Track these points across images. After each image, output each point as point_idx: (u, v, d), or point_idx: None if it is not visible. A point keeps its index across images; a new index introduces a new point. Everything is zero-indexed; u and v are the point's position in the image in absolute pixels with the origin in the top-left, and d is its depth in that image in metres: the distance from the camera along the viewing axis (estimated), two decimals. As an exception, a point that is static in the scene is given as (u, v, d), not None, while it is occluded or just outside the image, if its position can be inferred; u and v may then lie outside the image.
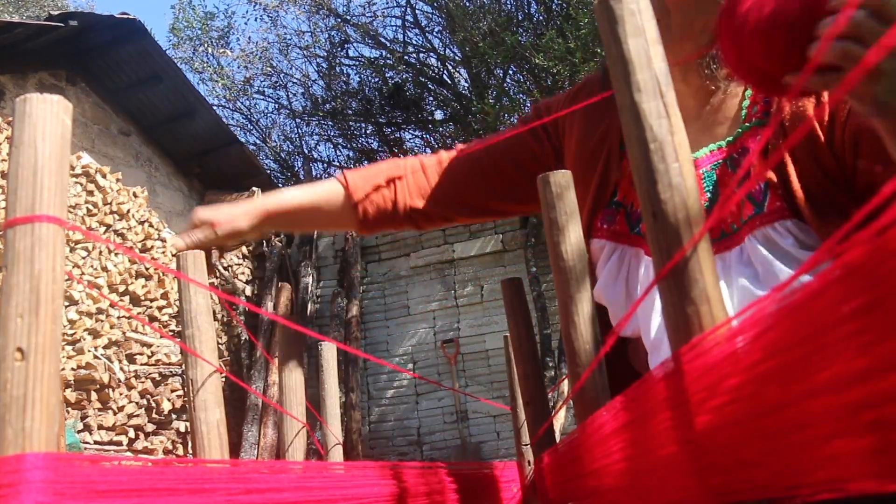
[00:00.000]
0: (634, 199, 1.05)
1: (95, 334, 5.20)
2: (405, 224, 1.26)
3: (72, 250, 5.37)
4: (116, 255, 5.67)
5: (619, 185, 1.06)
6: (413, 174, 1.24)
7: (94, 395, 5.02)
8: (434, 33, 10.35)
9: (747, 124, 0.97)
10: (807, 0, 0.66)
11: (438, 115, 10.52)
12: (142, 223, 6.25)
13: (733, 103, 0.99)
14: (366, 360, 7.12)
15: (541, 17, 8.95)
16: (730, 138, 0.97)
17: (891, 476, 0.26)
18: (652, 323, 0.96)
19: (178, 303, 1.03)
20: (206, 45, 11.61)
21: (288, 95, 11.38)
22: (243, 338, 6.80)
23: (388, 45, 10.28)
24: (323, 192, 1.23)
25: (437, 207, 1.23)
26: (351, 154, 11.34)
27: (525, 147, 1.21)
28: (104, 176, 5.98)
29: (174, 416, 5.61)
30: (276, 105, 11.56)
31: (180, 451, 5.59)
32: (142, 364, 5.50)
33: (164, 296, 5.96)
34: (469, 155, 1.24)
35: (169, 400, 5.56)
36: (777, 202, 0.90)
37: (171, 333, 5.82)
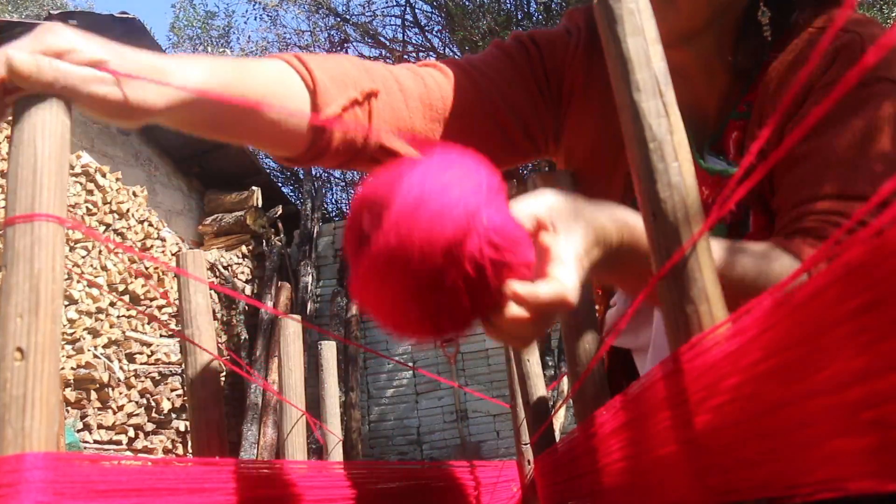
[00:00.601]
0: None
1: (95, 333, 5.20)
2: (363, 164, 0.88)
3: (71, 249, 5.37)
4: (116, 254, 5.67)
5: None
6: (388, 94, 0.86)
7: (93, 395, 5.02)
8: (433, 32, 10.35)
9: (735, 113, 0.90)
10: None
11: (438, 114, 10.51)
12: (141, 222, 6.25)
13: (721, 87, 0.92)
14: (366, 360, 7.12)
15: (540, 17, 8.95)
16: (721, 125, 0.91)
17: (890, 475, 0.26)
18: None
19: (177, 302, 1.01)
20: (206, 44, 11.61)
21: (287, 95, 11.36)
22: (243, 337, 6.81)
23: (388, 44, 10.27)
24: (277, 86, 0.78)
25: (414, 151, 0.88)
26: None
27: (529, 98, 0.95)
28: (104, 175, 5.98)
29: (174, 416, 5.61)
30: (276, 104, 11.54)
31: (180, 451, 5.59)
32: (141, 363, 5.50)
33: (164, 295, 5.96)
34: (459, 92, 0.91)
35: (169, 399, 5.56)
36: (762, 219, 0.84)
37: (169, 334, 5.82)
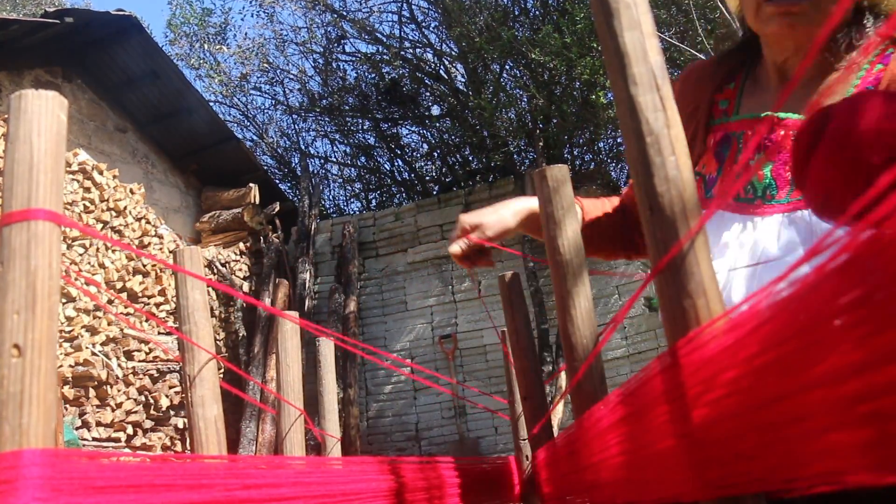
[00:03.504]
0: (712, 168, 1.08)
1: (93, 331, 5.19)
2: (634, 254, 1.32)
3: (69, 247, 5.37)
4: (114, 251, 5.66)
5: (702, 158, 1.09)
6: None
7: (92, 392, 5.01)
8: (430, 29, 10.34)
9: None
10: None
11: (435, 110, 10.52)
12: (139, 220, 6.24)
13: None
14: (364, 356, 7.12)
15: (537, 13, 8.94)
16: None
17: (887, 468, 0.26)
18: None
19: (175, 299, 1.01)
20: (202, 41, 11.58)
21: (285, 91, 11.37)
22: (241, 334, 6.80)
23: (385, 40, 10.26)
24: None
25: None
26: (348, 150, 11.33)
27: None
28: (101, 173, 5.96)
29: (172, 413, 5.61)
30: (273, 101, 11.54)
31: (178, 448, 5.59)
32: (140, 360, 5.50)
33: (162, 292, 5.96)
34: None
35: (167, 396, 5.56)
36: None
37: (167, 331, 5.82)
